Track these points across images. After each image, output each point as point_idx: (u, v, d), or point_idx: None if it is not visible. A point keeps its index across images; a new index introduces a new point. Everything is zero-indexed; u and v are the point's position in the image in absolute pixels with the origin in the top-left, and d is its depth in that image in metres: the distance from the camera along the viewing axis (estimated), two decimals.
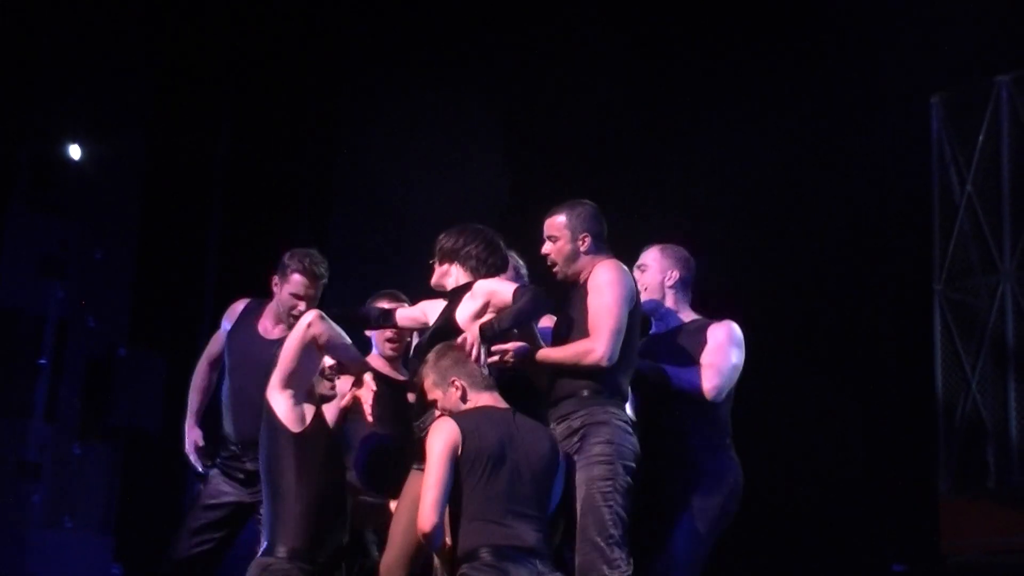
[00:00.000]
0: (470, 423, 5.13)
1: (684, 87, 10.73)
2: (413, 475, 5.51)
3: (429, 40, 10.83)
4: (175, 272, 10.53)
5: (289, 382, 5.41)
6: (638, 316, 5.57)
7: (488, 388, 5.27)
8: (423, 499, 5.01)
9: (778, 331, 10.35)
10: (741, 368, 5.94)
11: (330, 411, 5.56)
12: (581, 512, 5.24)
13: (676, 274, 6.00)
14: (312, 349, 5.42)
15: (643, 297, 5.88)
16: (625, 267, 5.55)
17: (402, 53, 10.93)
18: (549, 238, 5.68)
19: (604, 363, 5.34)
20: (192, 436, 6.62)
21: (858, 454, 10.35)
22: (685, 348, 5.89)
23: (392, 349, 6.29)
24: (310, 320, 5.42)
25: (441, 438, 5.08)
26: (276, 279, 6.47)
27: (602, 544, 5.17)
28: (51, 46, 10.02)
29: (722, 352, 5.86)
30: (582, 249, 5.61)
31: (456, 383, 5.25)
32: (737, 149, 10.48)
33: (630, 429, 5.37)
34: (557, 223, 5.66)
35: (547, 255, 5.68)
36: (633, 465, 5.33)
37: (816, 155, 10.52)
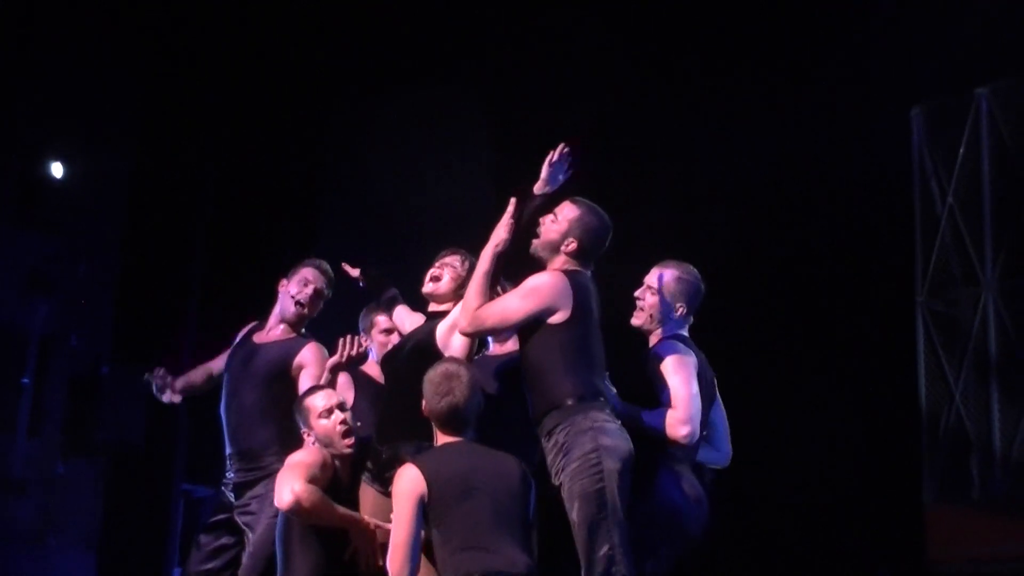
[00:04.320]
0: (433, 464, 5.12)
1: (668, 97, 10.73)
2: (364, 489, 5.59)
3: (416, 43, 10.81)
4: (158, 289, 10.50)
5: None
6: (586, 325, 5.43)
7: (457, 429, 5.23)
8: (392, 556, 5.00)
9: (761, 344, 10.36)
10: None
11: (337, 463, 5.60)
12: (577, 525, 5.20)
13: (684, 309, 5.87)
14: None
15: (640, 320, 5.87)
16: (568, 281, 5.43)
17: (389, 58, 10.90)
18: (553, 214, 5.62)
19: (458, 329, 5.46)
20: (177, 380, 6.62)
21: (843, 465, 10.34)
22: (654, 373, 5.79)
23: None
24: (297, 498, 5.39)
25: (405, 489, 5.06)
26: (283, 281, 6.51)
27: (602, 556, 5.15)
28: (36, 65, 10.03)
29: (683, 387, 5.69)
30: (564, 250, 5.55)
31: (425, 405, 5.26)
32: (718, 162, 10.50)
33: (616, 428, 5.30)
34: (568, 209, 5.62)
35: (540, 223, 5.61)
36: (624, 463, 5.26)
37: (797, 168, 10.53)
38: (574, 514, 5.20)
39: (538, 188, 5.65)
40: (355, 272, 6.45)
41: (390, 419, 5.60)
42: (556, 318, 5.36)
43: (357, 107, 10.98)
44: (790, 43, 10.56)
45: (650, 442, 5.53)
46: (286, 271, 6.54)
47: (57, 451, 9.97)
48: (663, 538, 5.56)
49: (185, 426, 10.18)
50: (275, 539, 5.55)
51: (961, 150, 10.82)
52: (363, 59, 10.98)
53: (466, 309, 5.40)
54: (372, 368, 6.38)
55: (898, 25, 10.21)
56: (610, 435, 5.26)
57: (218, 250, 10.70)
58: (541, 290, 5.40)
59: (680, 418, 5.55)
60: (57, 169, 10.14)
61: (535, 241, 5.59)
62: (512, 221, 5.50)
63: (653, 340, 5.89)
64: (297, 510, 5.33)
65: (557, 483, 5.27)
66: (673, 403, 5.59)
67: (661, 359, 5.69)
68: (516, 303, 5.39)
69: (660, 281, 5.89)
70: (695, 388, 5.64)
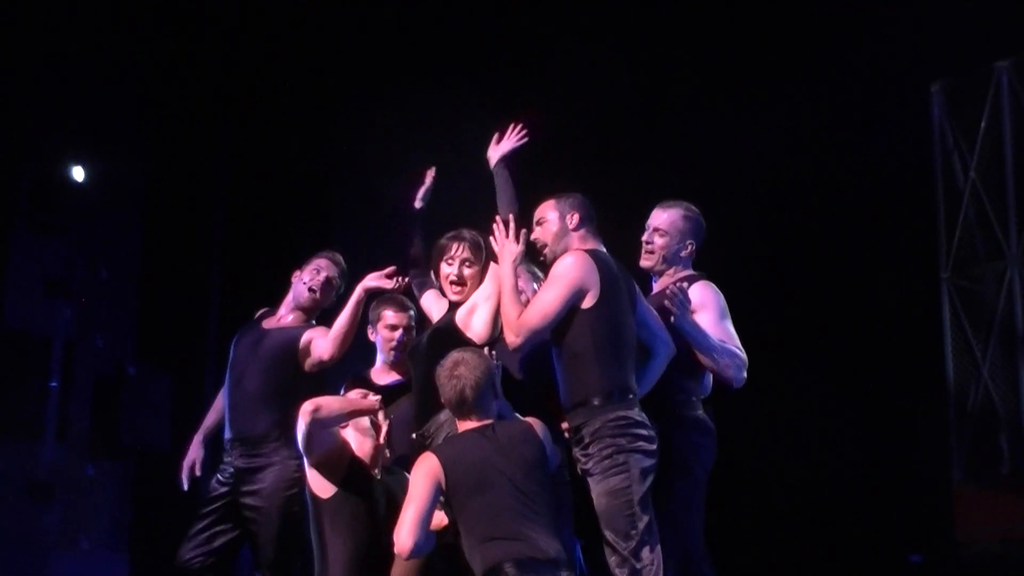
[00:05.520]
0: (450, 453, 5.18)
1: (682, 79, 10.70)
2: None
3: (425, 42, 10.82)
4: (180, 289, 10.54)
5: (313, 460, 5.54)
6: (617, 303, 5.50)
7: (469, 413, 5.27)
8: (399, 529, 5.03)
9: (787, 325, 10.33)
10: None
11: (366, 448, 5.64)
12: (603, 523, 5.27)
13: (692, 246, 6.00)
14: (309, 435, 5.48)
15: (652, 262, 5.97)
16: (592, 260, 5.50)
17: (397, 57, 10.91)
18: (537, 223, 5.72)
19: (510, 348, 5.47)
20: (193, 454, 6.64)
21: (871, 445, 10.33)
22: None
23: (392, 351, 6.35)
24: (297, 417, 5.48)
25: (422, 471, 5.13)
26: (296, 272, 6.56)
27: (627, 554, 5.20)
28: (51, 70, 10.06)
29: (733, 333, 5.87)
30: (571, 226, 5.64)
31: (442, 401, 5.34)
32: (739, 142, 10.47)
33: (642, 427, 5.34)
34: (545, 207, 5.72)
35: (536, 240, 5.70)
36: (650, 462, 5.33)
37: (817, 146, 10.51)
38: (602, 510, 5.27)
39: (489, 152, 5.89)
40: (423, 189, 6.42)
41: (422, 407, 5.62)
42: (587, 301, 5.41)
43: (368, 105, 10.99)
44: (808, 23, 10.52)
45: (674, 390, 5.67)
46: (301, 264, 6.58)
47: (84, 454, 10.02)
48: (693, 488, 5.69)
49: None
50: (287, 528, 5.62)
51: (982, 125, 10.76)
52: (373, 58, 10.99)
53: (508, 323, 5.43)
54: (379, 374, 6.40)
55: (915, 1, 10.15)
56: (635, 435, 5.32)
57: (236, 248, 10.74)
58: (568, 272, 5.45)
59: (743, 364, 5.76)
60: (77, 172, 10.17)
61: (544, 252, 5.68)
62: (522, 231, 5.58)
63: (667, 280, 5.96)
64: (315, 410, 5.39)
65: (583, 476, 5.34)
66: (732, 347, 5.75)
67: (699, 299, 5.80)
68: (550, 295, 5.43)
69: (667, 221, 5.97)
70: None
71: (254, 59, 10.70)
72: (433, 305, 6.07)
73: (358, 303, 6.09)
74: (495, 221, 5.58)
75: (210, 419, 6.72)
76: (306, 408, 5.41)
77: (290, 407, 5.90)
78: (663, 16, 10.70)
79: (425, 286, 6.18)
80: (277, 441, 6.16)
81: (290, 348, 6.32)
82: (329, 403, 5.49)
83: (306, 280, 6.48)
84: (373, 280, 6.06)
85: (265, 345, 6.37)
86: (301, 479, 5.86)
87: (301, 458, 5.85)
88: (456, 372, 5.25)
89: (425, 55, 10.78)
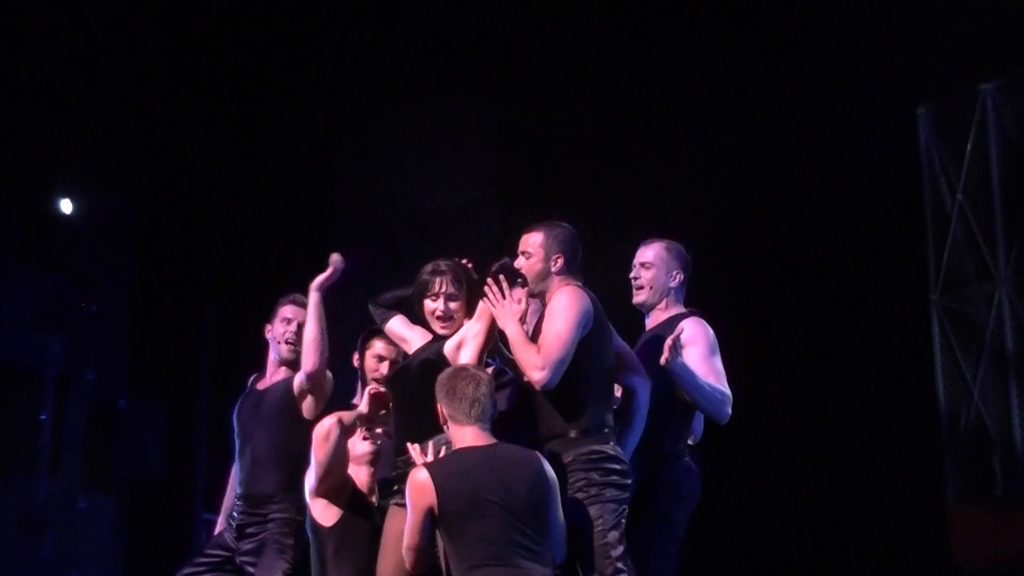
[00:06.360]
0: (444, 474, 5.08)
1: (671, 98, 10.74)
2: (393, 511, 5.51)
3: (424, 43, 10.82)
4: (171, 320, 10.51)
5: (321, 488, 5.59)
6: (602, 339, 5.51)
7: (474, 422, 5.17)
8: (408, 563, 5.09)
9: (778, 348, 10.34)
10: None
11: (362, 478, 5.72)
12: (577, 553, 5.25)
13: (680, 275, 6.01)
14: (338, 448, 5.55)
15: (644, 296, 5.98)
16: (585, 294, 5.51)
17: (397, 58, 10.91)
18: (523, 254, 5.67)
19: (539, 387, 5.38)
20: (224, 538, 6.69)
21: (865, 467, 10.33)
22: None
23: (375, 381, 6.38)
24: (327, 430, 5.53)
25: (415, 499, 5.06)
26: (268, 326, 6.56)
27: None
28: (40, 103, 10.07)
29: (722, 370, 5.87)
30: (554, 270, 5.60)
31: (441, 410, 5.24)
32: (727, 166, 10.50)
33: (616, 461, 5.34)
34: (533, 241, 5.67)
35: (518, 267, 5.65)
36: (624, 495, 5.34)
37: (804, 169, 10.53)
38: (575, 541, 5.24)
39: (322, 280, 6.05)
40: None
41: (405, 434, 5.55)
42: (582, 333, 5.39)
43: (368, 105, 10.99)
44: (794, 47, 10.56)
45: (662, 431, 5.65)
46: (269, 317, 6.57)
47: (77, 487, 10.00)
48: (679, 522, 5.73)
49: (203, 456, 10.21)
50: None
51: (968, 147, 10.81)
52: (372, 58, 11.00)
53: (529, 365, 5.35)
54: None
55: (899, 25, 10.20)
56: (607, 469, 5.32)
57: (229, 277, 10.71)
58: (571, 303, 5.43)
59: (727, 400, 5.75)
60: (66, 206, 10.18)
61: (528, 284, 5.62)
62: (524, 291, 5.54)
63: (662, 315, 5.96)
64: (336, 421, 5.53)
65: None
66: (720, 384, 5.75)
67: (690, 335, 5.74)
68: (560, 324, 5.39)
69: (651, 255, 5.99)
70: None
71: (250, 65, 10.68)
72: (406, 331, 5.95)
73: (316, 307, 6.12)
74: (487, 283, 5.49)
75: (228, 500, 6.75)
76: (325, 424, 5.49)
77: (294, 467, 6.01)
78: (654, 34, 10.74)
79: (388, 314, 6.12)
80: (280, 503, 6.21)
81: (288, 397, 6.36)
82: (342, 414, 5.55)
83: (279, 336, 6.50)
84: (319, 279, 6.10)
85: (264, 404, 6.42)
86: (297, 528, 5.97)
87: (297, 516, 5.97)
88: (465, 373, 5.19)
89: (424, 55, 10.77)
